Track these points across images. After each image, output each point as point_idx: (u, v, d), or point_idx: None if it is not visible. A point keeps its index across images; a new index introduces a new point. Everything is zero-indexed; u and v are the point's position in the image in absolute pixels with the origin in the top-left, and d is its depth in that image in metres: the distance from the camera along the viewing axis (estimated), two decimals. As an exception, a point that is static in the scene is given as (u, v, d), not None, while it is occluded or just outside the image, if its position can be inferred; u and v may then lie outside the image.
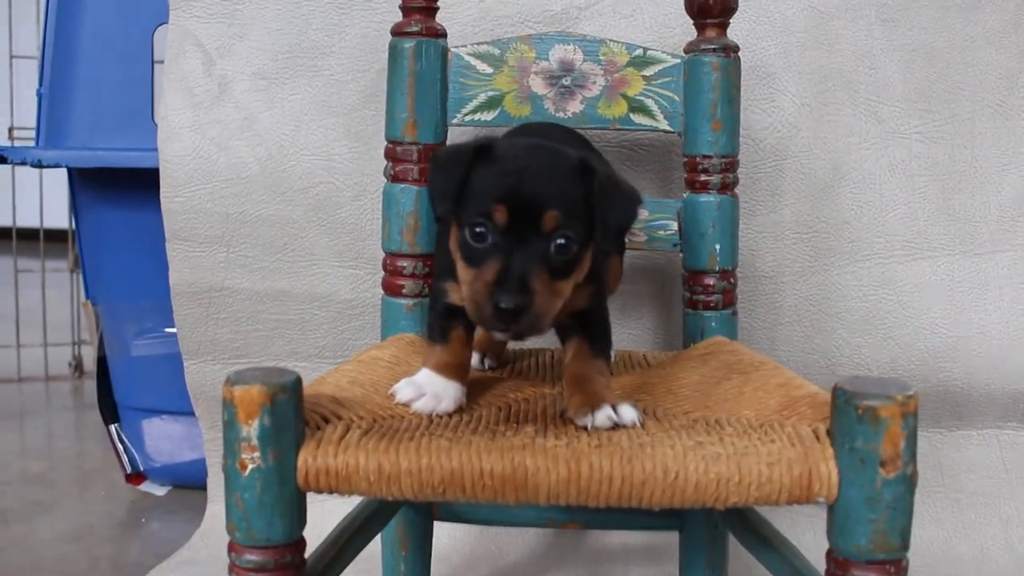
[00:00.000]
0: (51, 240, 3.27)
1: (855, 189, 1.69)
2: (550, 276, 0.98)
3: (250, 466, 0.91)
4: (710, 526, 1.44)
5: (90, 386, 2.99)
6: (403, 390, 1.06)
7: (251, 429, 0.90)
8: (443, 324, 1.10)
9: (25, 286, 3.21)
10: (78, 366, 3.21)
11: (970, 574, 1.71)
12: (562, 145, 1.08)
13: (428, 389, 1.06)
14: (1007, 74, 1.71)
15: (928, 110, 1.70)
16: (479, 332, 1.11)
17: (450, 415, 1.05)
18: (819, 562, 0.97)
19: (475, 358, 1.24)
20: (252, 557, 0.93)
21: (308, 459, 0.92)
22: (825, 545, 0.94)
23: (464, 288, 1.01)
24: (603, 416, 0.99)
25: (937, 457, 1.77)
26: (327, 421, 0.98)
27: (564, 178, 1.00)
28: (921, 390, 1.68)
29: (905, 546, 0.91)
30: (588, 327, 1.10)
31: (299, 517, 0.94)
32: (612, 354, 1.23)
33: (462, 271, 1.01)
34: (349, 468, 0.91)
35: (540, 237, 0.98)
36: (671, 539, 1.54)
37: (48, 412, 2.86)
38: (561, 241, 0.98)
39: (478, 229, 0.99)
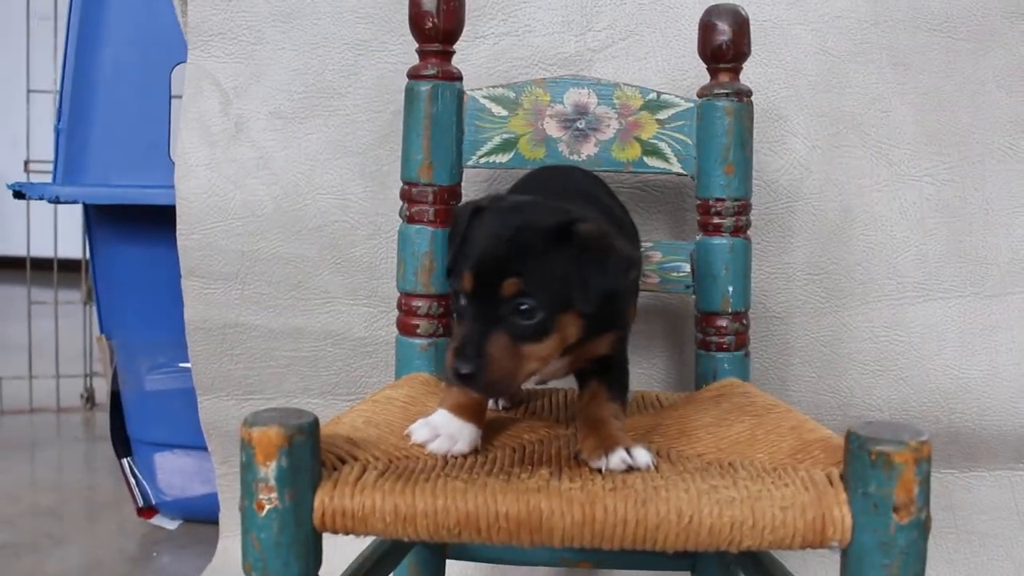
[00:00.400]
0: (64, 270, 3.29)
1: (866, 231, 1.70)
2: (515, 341, 0.99)
3: (267, 507, 0.91)
4: (722, 567, 1.44)
5: (101, 418, 3.01)
6: (419, 431, 1.07)
7: (269, 470, 0.91)
8: None
9: (38, 317, 3.22)
10: (90, 398, 3.22)
11: (982, 617, 1.70)
12: (563, 200, 1.10)
13: (443, 430, 1.07)
14: (1017, 117, 1.72)
15: (939, 153, 1.71)
16: None
17: (465, 456, 1.06)
18: (832, 606, 0.98)
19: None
20: (268, 597, 0.93)
21: (325, 500, 0.93)
22: (838, 588, 0.94)
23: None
24: (617, 459, 1.00)
25: (949, 498, 1.77)
26: (343, 462, 0.99)
27: (535, 242, 1.00)
28: (933, 431, 1.70)
29: (918, 591, 0.91)
30: (607, 371, 1.11)
31: (315, 557, 0.94)
32: (629, 396, 1.23)
33: (454, 326, 1.05)
34: (365, 509, 0.92)
35: (503, 303, 0.99)
36: (682, 579, 1.54)
37: (59, 444, 2.87)
38: (525, 307, 0.99)
39: (455, 291, 1.03)
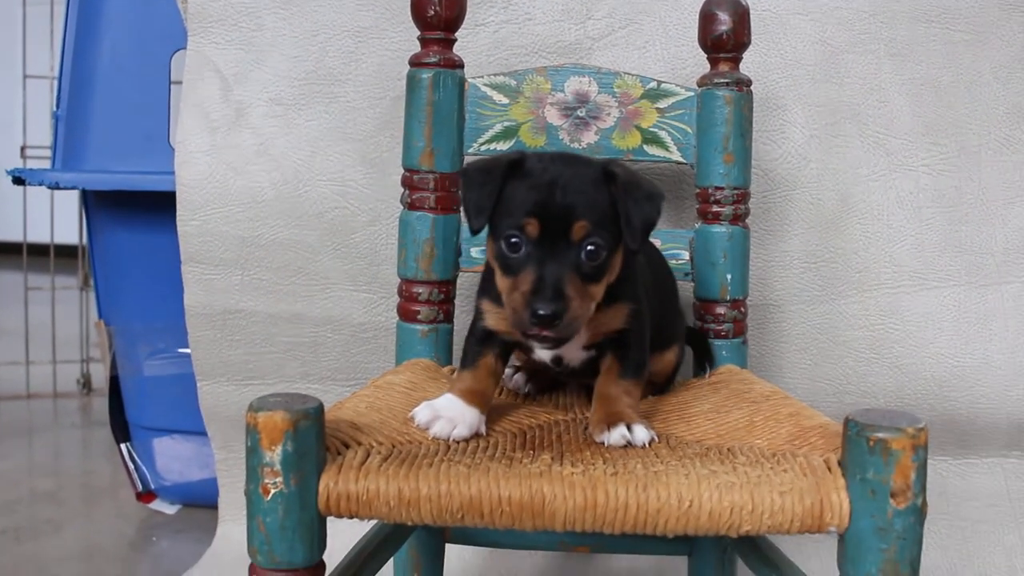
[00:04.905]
0: (60, 255, 3.29)
1: (863, 220, 1.71)
2: (582, 281, 1.03)
3: (272, 491, 0.92)
4: (719, 551, 1.46)
5: (98, 403, 3.02)
6: (421, 413, 1.09)
7: (274, 455, 0.92)
8: (475, 350, 1.15)
9: (34, 303, 3.23)
10: (86, 383, 3.23)
11: (974, 602, 1.72)
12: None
13: (445, 413, 1.08)
14: (1013, 108, 1.73)
15: (936, 143, 1.72)
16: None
17: (467, 441, 1.07)
18: (827, 589, 0.99)
19: (520, 378, 1.29)
20: (273, 580, 0.94)
21: (329, 484, 0.94)
22: (832, 571, 0.95)
23: (504, 297, 1.05)
24: (617, 434, 1.04)
25: (942, 485, 1.78)
26: (347, 446, 1.00)
27: (589, 187, 1.05)
28: (927, 418, 1.69)
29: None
30: (623, 347, 1.14)
31: (319, 541, 0.95)
32: (644, 373, 1.20)
33: (500, 281, 1.06)
34: (370, 493, 0.93)
35: (570, 246, 1.02)
36: (680, 562, 1.56)
37: (56, 429, 2.88)
38: (591, 248, 1.03)
39: (513, 240, 1.04)
